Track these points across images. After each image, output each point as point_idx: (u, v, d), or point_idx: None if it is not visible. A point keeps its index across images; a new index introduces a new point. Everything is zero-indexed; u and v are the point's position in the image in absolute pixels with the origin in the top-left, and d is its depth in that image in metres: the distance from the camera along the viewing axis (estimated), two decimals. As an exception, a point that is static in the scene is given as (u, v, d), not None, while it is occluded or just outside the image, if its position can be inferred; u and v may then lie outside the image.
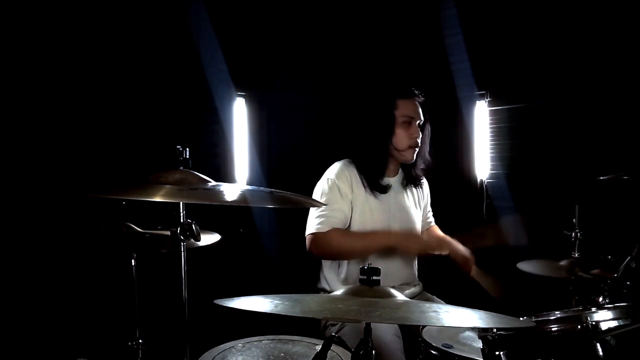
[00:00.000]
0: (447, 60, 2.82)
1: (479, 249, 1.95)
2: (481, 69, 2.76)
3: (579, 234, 1.82)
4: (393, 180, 2.05)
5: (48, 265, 1.90)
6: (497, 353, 1.23)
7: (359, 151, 2.00)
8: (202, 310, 1.42)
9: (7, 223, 1.88)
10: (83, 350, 1.69)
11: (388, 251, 1.90)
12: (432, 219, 2.26)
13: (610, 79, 2.32)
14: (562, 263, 1.81)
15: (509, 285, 1.89)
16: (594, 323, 1.19)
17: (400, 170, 2.10)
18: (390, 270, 1.92)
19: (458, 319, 0.96)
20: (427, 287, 2.13)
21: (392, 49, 2.93)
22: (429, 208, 2.24)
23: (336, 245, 1.87)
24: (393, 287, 1.09)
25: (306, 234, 1.92)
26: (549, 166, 2.56)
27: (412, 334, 1.72)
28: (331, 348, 1.08)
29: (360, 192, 1.95)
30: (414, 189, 2.13)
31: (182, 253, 1.31)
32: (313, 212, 1.92)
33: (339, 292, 1.07)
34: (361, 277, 1.05)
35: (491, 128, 2.88)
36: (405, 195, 2.08)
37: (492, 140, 2.89)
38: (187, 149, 1.33)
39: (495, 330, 1.24)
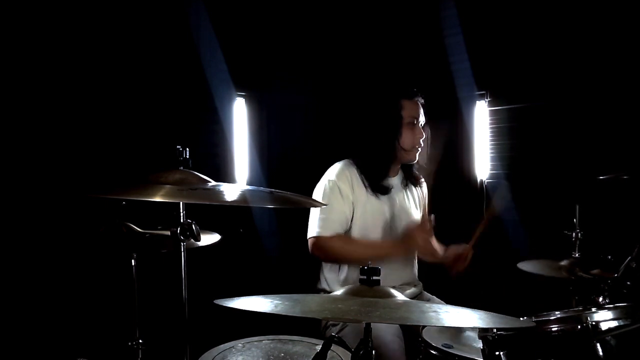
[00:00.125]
0: (447, 60, 2.82)
1: (479, 245, 1.95)
2: (481, 69, 2.76)
3: (579, 234, 1.82)
4: (394, 181, 2.05)
5: (48, 265, 1.90)
6: (497, 353, 1.23)
7: (363, 152, 2.00)
8: (202, 310, 1.42)
9: (7, 223, 1.88)
10: (83, 350, 1.69)
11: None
12: None
13: (610, 79, 2.32)
14: (563, 263, 1.81)
15: (508, 285, 1.89)
16: (594, 323, 1.19)
17: (400, 170, 2.10)
18: (391, 270, 1.92)
19: (458, 319, 0.96)
20: (427, 287, 2.13)
21: (392, 49, 2.93)
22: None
23: (338, 251, 1.91)
24: (393, 287, 1.09)
25: (308, 237, 1.92)
26: (549, 166, 2.55)
27: (412, 334, 1.72)
28: (331, 348, 1.07)
29: (361, 192, 1.95)
30: (413, 189, 2.13)
31: (182, 253, 1.31)
32: (314, 214, 1.92)
33: (339, 292, 1.07)
34: (361, 277, 1.05)
35: (491, 128, 2.87)
36: (405, 196, 2.08)
37: (492, 140, 2.88)
38: (187, 149, 1.33)
39: (495, 330, 1.24)
